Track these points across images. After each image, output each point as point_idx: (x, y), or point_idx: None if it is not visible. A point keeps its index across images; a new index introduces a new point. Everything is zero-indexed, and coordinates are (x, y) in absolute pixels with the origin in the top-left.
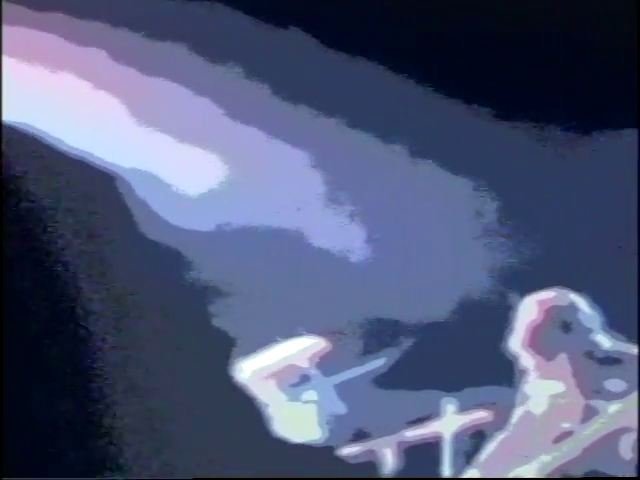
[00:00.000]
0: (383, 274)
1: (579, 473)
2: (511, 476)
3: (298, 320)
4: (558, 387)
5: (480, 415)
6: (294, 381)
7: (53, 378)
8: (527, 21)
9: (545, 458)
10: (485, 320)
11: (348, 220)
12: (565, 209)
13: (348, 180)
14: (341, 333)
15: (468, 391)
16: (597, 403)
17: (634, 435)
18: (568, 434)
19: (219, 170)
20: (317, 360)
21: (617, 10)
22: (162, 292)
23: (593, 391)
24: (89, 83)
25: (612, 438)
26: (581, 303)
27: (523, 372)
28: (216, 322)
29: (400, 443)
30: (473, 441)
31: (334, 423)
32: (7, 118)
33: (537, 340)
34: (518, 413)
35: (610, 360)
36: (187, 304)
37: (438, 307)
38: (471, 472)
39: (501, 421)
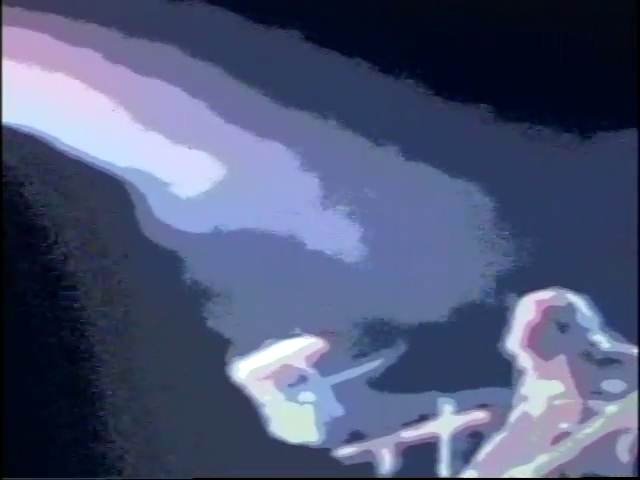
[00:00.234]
0: (379, 275)
1: (576, 474)
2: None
3: (295, 322)
4: (556, 388)
5: (477, 416)
6: (291, 381)
7: (52, 378)
8: (522, 20)
9: (542, 459)
10: (482, 320)
11: (343, 221)
12: (564, 209)
13: (344, 181)
14: (335, 333)
15: (465, 392)
16: (595, 404)
17: (632, 436)
18: (566, 435)
19: (214, 172)
20: (314, 361)
21: (616, 10)
22: (158, 293)
23: (591, 392)
24: (88, 84)
25: (610, 439)
26: (579, 303)
27: (521, 372)
28: (212, 324)
29: (397, 444)
30: (470, 442)
31: (331, 424)
32: (6, 119)
33: (535, 340)
34: (516, 414)
35: (608, 361)
36: (182, 305)
37: (435, 308)
38: (468, 473)
39: (498, 422)
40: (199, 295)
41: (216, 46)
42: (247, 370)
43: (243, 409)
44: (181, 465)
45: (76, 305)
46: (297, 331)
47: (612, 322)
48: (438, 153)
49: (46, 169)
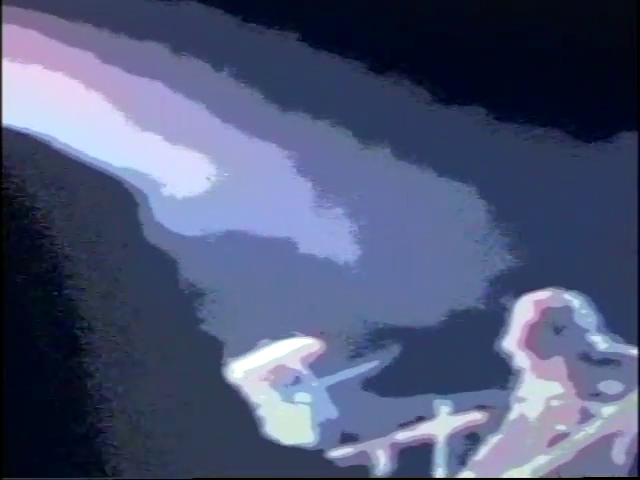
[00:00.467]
0: (374, 277)
1: (573, 476)
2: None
3: (290, 324)
4: (554, 388)
5: (474, 417)
6: (286, 382)
7: (50, 379)
8: (519, 21)
9: (539, 460)
10: (480, 321)
11: (338, 223)
12: (562, 208)
13: (338, 183)
14: (328, 334)
15: (462, 393)
16: (593, 405)
17: (629, 438)
18: (563, 436)
19: (208, 173)
20: (310, 361)
21: (615, 11)
22: (155, 293)
23: (589, 393)
24: (87, 85)
25: (607, 441)
26: (578, 304)
27: (518, 373)
28: (207, 325)
29: (393, 445)
30: (467, 443)
31: (327, 425)
32: (5, 119)
33: (533, 340)
34: (513, 415)
35: (607, 362)
36: (178, 306)
37: (431, 309)
38: (465, 474)
39: (495, 423)
40: (194, 296)
41: (214, 47)
42: (242, 370)
43: (239, 410)
44: (179, 465)
45: (71, 305)
46: (292, 332)
47: (611, 323)
48: (434, 155)
49: (43, 168)
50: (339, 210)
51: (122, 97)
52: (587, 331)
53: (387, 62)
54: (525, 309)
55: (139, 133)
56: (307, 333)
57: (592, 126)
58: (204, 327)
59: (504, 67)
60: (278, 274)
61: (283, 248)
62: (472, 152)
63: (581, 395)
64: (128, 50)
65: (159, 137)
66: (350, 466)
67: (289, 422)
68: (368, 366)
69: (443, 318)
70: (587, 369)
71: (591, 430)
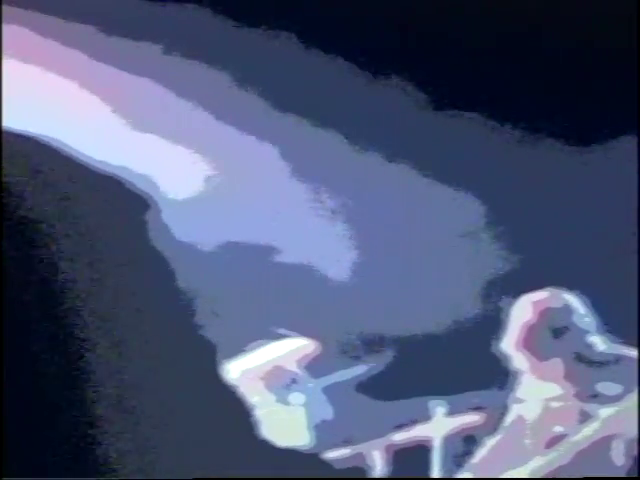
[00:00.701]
0: (371, 280)
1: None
2: None
3: (287, 326)
4: (552, 390)
5: (471, 418)
6: (282, 383)
7: (49, 380)
8: (518, 24)
9: (537, 462)
10: (478, 322)
11: (333, 228)
12: (562, 209)
13: (332, 188)
14: (323, 336)
15: (459, 395)
16: (591, 407)
17: (628, 440)
18: (561, 438)
19: (204, 178)
20: (305, 363)
21: (615, 14)
22: (152, 296)
23: (587, 394)
24: (87, 85)
25: (606, 442)
26: (577, 304)
27: (516, 374)
28: (203, 328)
29: (389, 446)
30: (464, 445)
31: (322, 426)
32: (5, 121)
33: (531, 341)
34: (510, 416)
35: (605, 363)
36: (175, 308)
37: (429, 310)
38: (462, 476)
39: (492, 424)
40: (190, 299)
41: (213, 49)
42: (238, 371)
43: (235, 412)
44: (178, 465)
45: (70, 307)
46: (289, 332)
47: (611, 323)
48: (431, 158)
49: (41, 168)
50: (335, 215)
51: (122, 99)
52: (586, 332)
53: (382, 66)
54: (523, 310)
55: (139, 136)
56: (303, 335)
57: (591, 127)
58: (201, 331)
59: (502, 70)
60: (275, 279)
61: (279, 254)
62: (470, 155)
63: (579, 396)
64: (129, 51)
65: (158, 141)
66: (346, 467)
67: (284, 423)
68: (364, 367)
69: (441, 319)
70: (586, 370)
71: (589, 432)
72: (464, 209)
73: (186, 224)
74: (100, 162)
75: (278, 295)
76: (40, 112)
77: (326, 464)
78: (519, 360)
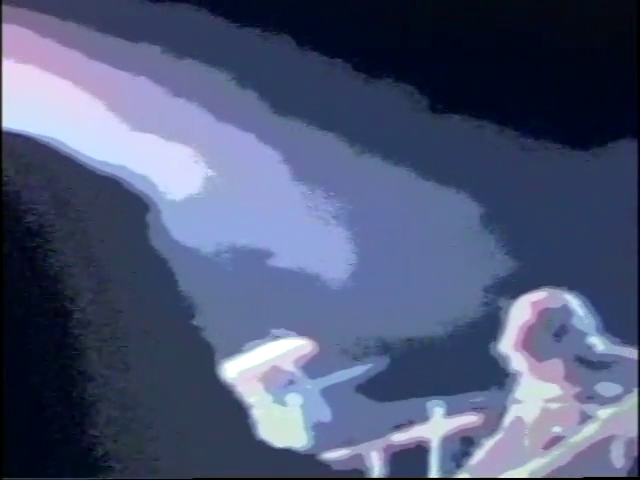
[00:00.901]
0: (370, 281)
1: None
2: None
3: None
4: (551, 391)
5: (469, 419)
6: (279, 383)
7: (49, 381)
8: (518, 27)
9: (535, 464)
10: (477, 323)
11: (331, 229)
12: (562, 209)
13: (333, 192)
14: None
15: (458, 395)
16: (590, 408)
17: (627, 441)
18: (559, 439)
19: (201, 178)
20: (303, 363)
21: (615, 16)
22: (145, 298)
23: (587, 395)
24: (86, 86)
25: (605, 444)
26: (576, 305)
27: (515, 375)
28: (201, 330)
29: (387, 447)
30: (462, 446)
31: (320, 427)
32: (6, 122)
33: (530, 342)
34: (509, 417)
35: (605, 364)
36: (172, 310)
37: (428, 311)
38: (461, 476)
39: (491, 425)
40: (188, 299)
41: (212, 51)
42: (235, 371)
43: (232, 412)
44: (178, 465)
45: (70, 307)
46: (286, 333)
47: (610, 324)
48: (430, 161)
49: (40, 168)
50: (334, 216)
51: (121, 100)
52: (585, 333)
53: (381, 69)
54: (522, 310)
55: (138, 136)
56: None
57: (591, 128)
58: (198, 331)
59: (502, 72)
60: (274, 280)
61: (279, 254)
62: (468, 156)
63: (579, 397)
64: (128, 52)
65: (156, 142)
66: (344, 468)
67: (282, 423)
68: (363, 368)
69: (439, 320)
70: (585, 371)
71: (588, 433)
72: (463, 210)
73: (185, 225)
74: (99, 162)
75: (277, 296)
76: (39, 112)
77: (324, 465)
78: (518, 361)
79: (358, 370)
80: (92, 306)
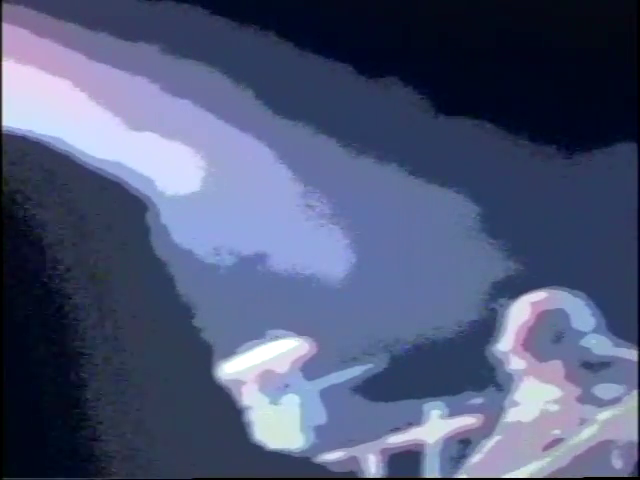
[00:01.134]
0: (370, 282)
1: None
2: None
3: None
4: (550, 392)
5: (467, 421)
6: (276, 385)
7: (49, 382)
8: (518, 28)
9: (534, 466)
10: (475, 323)
11: (329, 229)
12: (562, 210)
13: (332, 193)
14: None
15: (456, 397)
16: (590, 410)
17: (627, 443)
18: (558, 441)
19: (199, 178)
20: (300, 364)
21: (615, 16)
22: (144, 299)
23: (586, 397)
24: (86, 87)
25: (604, 445)
26: (575, 305)
27: (514, 376)
28: (200, 331)
29: (384, 449)
30: (461, 447)
31: (317, 429)
32: (4, 121)
33: (530, 343)
34: (507, 419)
35: (604, 365)
36: (170, 311)
37: (427, 312)
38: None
39: (489, 427)
40: (186, 300)
41: (210, 52)
42: (232, 373)
43: (229, 413)
44: (178, 465)
45: (69, 308)
46: (284, 333)
47: (610, 324)
48: (429, 162)
49: (40, 168)
50: (332, 217)
51: (121, 100)
52: (585, 334)
53: (379, 70)
54: (521, 311)
55: (137, 135)
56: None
57: (591, 129)
58: (196, 332)
59: (502, 73)
60: (272, 281)
61: (277, 255)
62: (467, 157)
63: (578, 399)
64: (128, 52)
65: (155, 139)
66: (340, 470)
67: (278, 424)
68: (360, 369)
69: (438, 321)
70: (584, 372)
71: (587, 435)
72: (462, 210)
73: (183, 225)
74: (99, 161)
75: (274, 296)
76: (39, 112)
77: (320, 467)
78: (517, 362)
79: (355, 371)
80: (90, 306)
